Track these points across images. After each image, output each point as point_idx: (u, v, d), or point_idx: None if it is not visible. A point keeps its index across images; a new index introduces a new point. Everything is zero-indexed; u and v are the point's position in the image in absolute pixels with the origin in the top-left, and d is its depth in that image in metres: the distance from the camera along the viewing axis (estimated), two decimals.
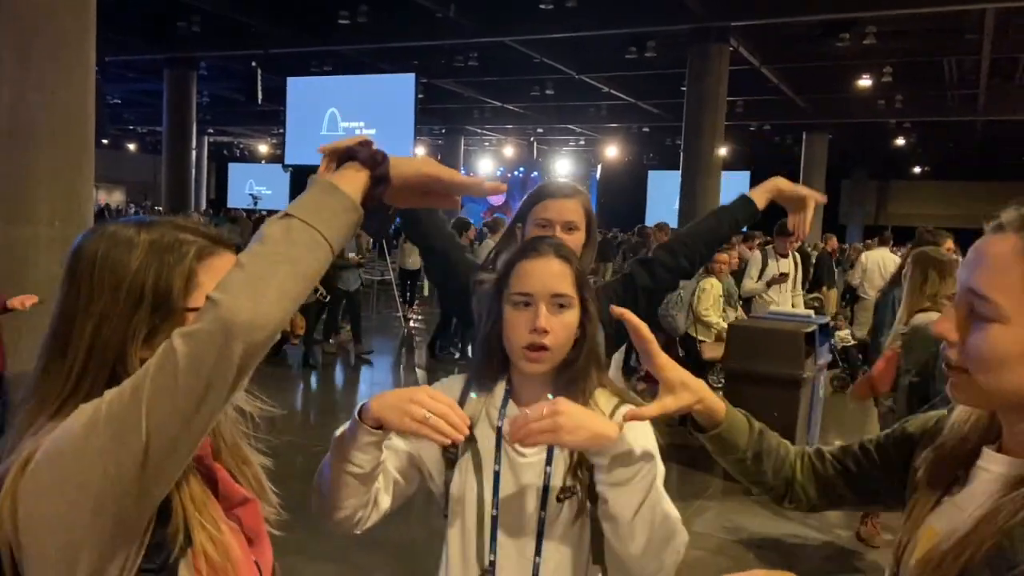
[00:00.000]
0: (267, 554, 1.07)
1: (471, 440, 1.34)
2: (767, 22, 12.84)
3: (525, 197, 1.93)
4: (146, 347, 0.91)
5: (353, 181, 0.92)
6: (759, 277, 6.67)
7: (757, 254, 6.99)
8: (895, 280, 4.61)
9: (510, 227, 1.94)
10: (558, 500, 1.31)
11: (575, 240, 1.82)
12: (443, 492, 1.39)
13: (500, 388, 1.38)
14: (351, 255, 8.48)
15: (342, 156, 0.96)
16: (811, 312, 6.02)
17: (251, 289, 0.80)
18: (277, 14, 14.31)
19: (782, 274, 6.51)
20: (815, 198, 2.01)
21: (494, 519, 1.33)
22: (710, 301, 6.43)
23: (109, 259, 0.92)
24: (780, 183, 2.02)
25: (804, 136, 22.07)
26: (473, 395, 1.39)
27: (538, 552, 1.31)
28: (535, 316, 1.30)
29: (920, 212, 27.26)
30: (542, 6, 11.67)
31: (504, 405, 1.37)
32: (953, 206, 28.36)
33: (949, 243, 4.84)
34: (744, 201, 2.04)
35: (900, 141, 23.41)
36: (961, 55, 14.64)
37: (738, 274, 7.29)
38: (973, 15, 12.16)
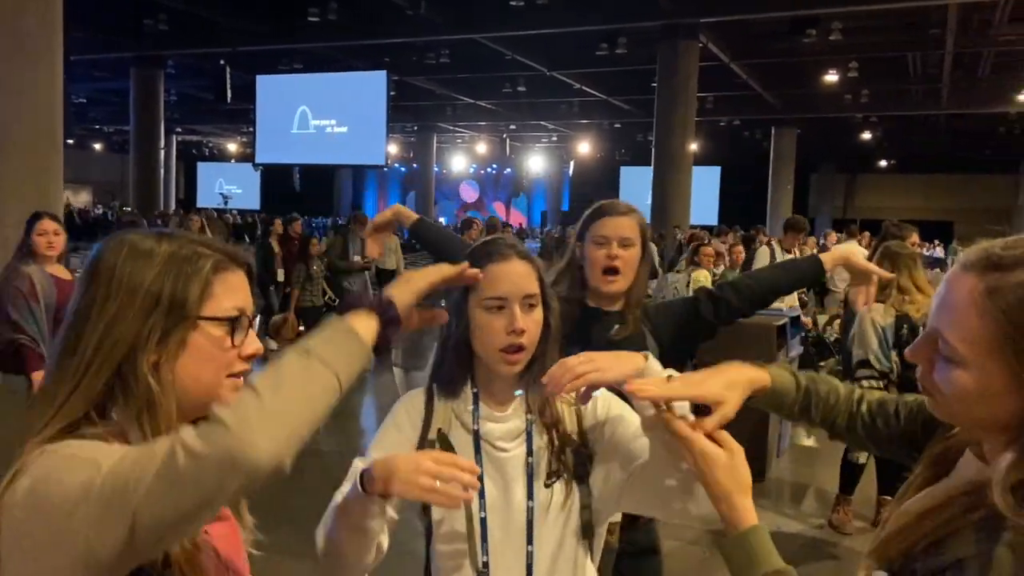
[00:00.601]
0: (244, 571, 1.08)
1: (449, 448, 1.31)
2: (735, 19, 12.97)
3: (584, 215, 2.03)
4: (157, 350, 0.95)
5: (369, 328, 0.98)
6: None
7: (765, 249, 7.06)
8: None
9: (571, 247, 2.05)
10: (546, 486, 1.35)
11: (631, 255, 1.94)
12: (420, 508, 1.38)
13: (467, 392, 1.39)
14: (356, 258, 8.11)
15: (344, 305, 1.02)
16: (782, 307, 6.11)
17: (267, 426, 0.81)
18: (246, 12, 14.17)
19: None
20: (880, 274, 2.11)
21: (483, 521, 1.34)
22: None
23: (128, 266, 0.96)
24: (852, 256, 2.11)
25: (773, 131, 22.34)
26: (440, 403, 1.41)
27: (530, 541, 1.35)
28: (512, 318, 1.32)
29: (886, 205, 27.69)
30: (513, 3, 11.69)
31: (476, 407, 1.38)
32: (918, 198, 28.92)
33: (914, 237, 4.94)
34: (814, 262, 2.13)
35: (866, 135, 23.77)
36: (925, 50, 14.91)
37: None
38: (937, 10, 12.39)
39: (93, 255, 0.99)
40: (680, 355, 2.10)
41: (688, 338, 2.10)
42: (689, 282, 6.61)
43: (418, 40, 14.78)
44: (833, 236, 11.51)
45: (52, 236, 3.61)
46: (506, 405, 1.39)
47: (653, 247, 9.81)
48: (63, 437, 0.91)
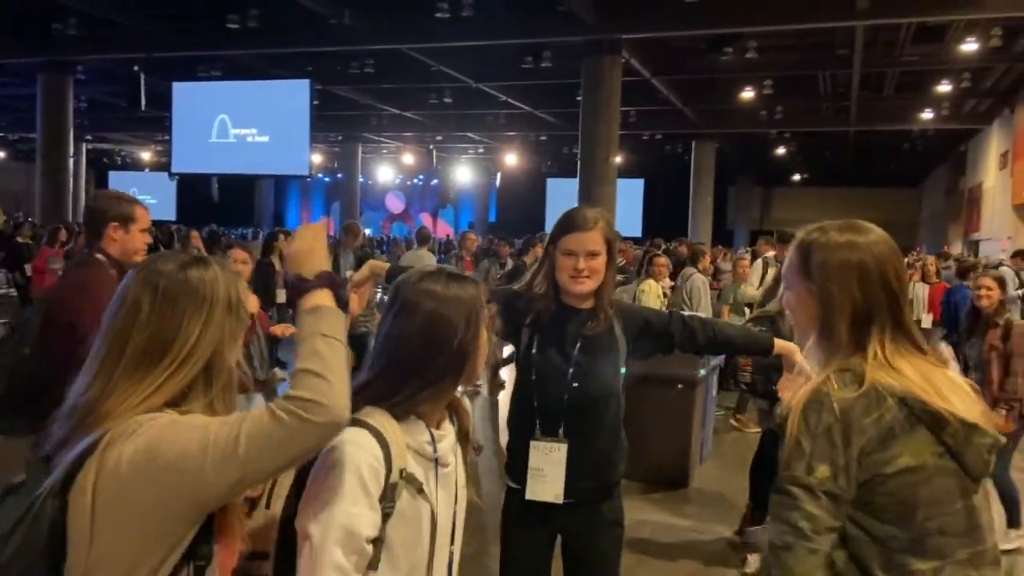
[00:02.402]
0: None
1: (416, 487, 1.34)
2: (656, 35, 13.28)
3: (556, 224, 2.22)
4: (230, 344, 1.26)
5: (331, 299, 1.27)
6: (760, 285, 6.82)
7: (758, 263, 7.16)
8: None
9: (546, 250, 2.22)
10: (465, 488, 1.49)
11: (597, 263, 2.13)
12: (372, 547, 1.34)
13: (413, 419, 1.39)
14: (348, 273, 7.16)
15: (296, 294, 1.28)
16: (704, 314, 6.25)
17: (341, 397, 1.16)
18: (161, 17, 13.73)
19: None
20: (807, 375, 2.36)
21: (432, 536, 1.37)
22: (651, 302, 6.49)
23: (204, 286, 1.24)
24: (797, 354, 2.33)
25: (693, 145, 22.92)
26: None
27: (452, 541, 1.44)
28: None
29: (800, 217, 28.45)
30: (438, 15, 11.68)
31: (430, 434, 1.40)
32: (830, 211, 29.72)
33: None
34: (768, 339, 2.39)
35: (781, 150, 24.65)
36: (834, 69, 15.58)
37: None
38: (844, 31, 12.97)
39: (165, 280, 1.24)
40: (637, 355, 2.27)
41: (649, 344, 2.27)
42: (635, 293, 6.58)
43: (342, 49, 14.61)
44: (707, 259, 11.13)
45: (240, 265, 3.97)
46: (443, 423, 1.46)
47: None
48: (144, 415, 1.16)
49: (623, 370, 2.20)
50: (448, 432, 1.45)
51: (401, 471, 1.31)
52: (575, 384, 2.11)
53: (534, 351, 2.14)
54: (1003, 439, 1.29)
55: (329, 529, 1.24)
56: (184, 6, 13.37)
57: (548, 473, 2.08)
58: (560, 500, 2.08)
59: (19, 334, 2.63)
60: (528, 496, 2.09)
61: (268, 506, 1.39)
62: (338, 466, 1.27)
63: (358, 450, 1.28)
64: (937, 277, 7.91)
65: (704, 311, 6.79)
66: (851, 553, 1.21)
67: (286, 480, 1.35)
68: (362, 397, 1.32)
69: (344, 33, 12.94)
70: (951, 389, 1.28)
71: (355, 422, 1.29)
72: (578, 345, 2.14)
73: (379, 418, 1.32)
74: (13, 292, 12.09)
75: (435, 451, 1.39)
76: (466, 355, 1.38)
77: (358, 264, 7.62)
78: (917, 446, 1.21)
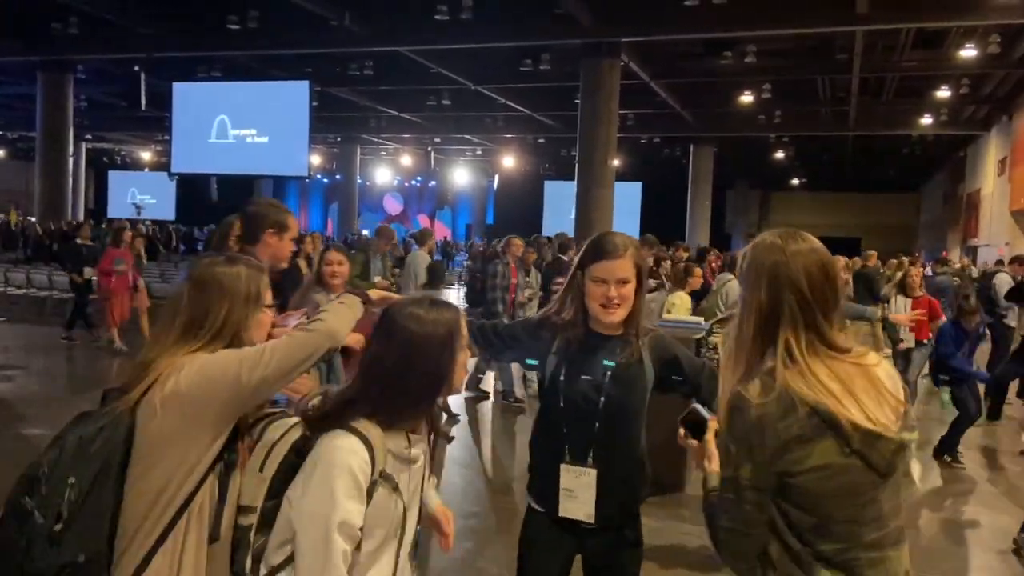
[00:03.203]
0: None
1: (392, 486, 1.54)
2: (655, 39, 13.31)
3: (584, 249, 2.17)
4: (248, 326, 1.65)
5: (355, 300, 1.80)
6: None
7: None
8: None
9: (572, 274, 2.17)
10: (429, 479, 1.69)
11: (628, 291, 2.11)
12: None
13: (398, 429, 1.59)
14: (376, 279, 7.05)
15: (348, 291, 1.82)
16: (700, 319, 6.22)
17: (335, 321, 1.64)
18: (161, 17, 13.75)
19: None
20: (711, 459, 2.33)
21: (405, 529, 1.57)
22: (681, 314, 6.40)
23: (233, 280, 1.65)
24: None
25: (691, 148, 22.95)
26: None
27: (418, 522, 1.65)
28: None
29: (798, 221, 28.71)
30: (437, 17, 11.70)
31: (408, 439, 1.59)
32: (828, 215, 30.16)
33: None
34: None
35: (779, 154, 24.68)
36: (833, 74, 15.61)
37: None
38: (844, 36, 13.00)
39: (197, 274, 1.66)
40: (661, 387, 2.20)
41: (674, 382, 2.22)
42: (664, 303, 6.46)
43: (341, 51, 14.63)
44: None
45: (336, 267, 4.07)
46: (419, 427, 1.63)
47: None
48: None
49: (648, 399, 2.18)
50: (422, 436, 1.64)
51: (381, 472, 1.52)
52: (604, 413, 2.10)
53: (562, 378, 2.12)
54: (908, 439, 1.42)
55: (332, 523, 1.46)
56: (184, 7, 13.39)
57: (579, 495, 2.11)
58: (591, 520, 2.10)
59: None
60: (561, 513, 2.12)
61: (262, 470, 1.58)
62: (335, 466, 1.48)
63: (351, 455, 1.50)
64: (922, 290, 7.35)
65: None
66: (771, 530, 1.42)
67: (280, 449, 1.59)
68: (355, 410, 1.54)
69: (343, 35, 12.96)
70: (868, 392, 1.40)
71: (349, 428, 1.52)
72: (607, 374, 2.12)
73: (367, 426, 1.52)
74: (33, 292, 12.11)
75: (410, 454, 1.60)
76: (443, 373, 1.58)
77: (385, 270, 7.57)
78: (825, 449, 1.37)
